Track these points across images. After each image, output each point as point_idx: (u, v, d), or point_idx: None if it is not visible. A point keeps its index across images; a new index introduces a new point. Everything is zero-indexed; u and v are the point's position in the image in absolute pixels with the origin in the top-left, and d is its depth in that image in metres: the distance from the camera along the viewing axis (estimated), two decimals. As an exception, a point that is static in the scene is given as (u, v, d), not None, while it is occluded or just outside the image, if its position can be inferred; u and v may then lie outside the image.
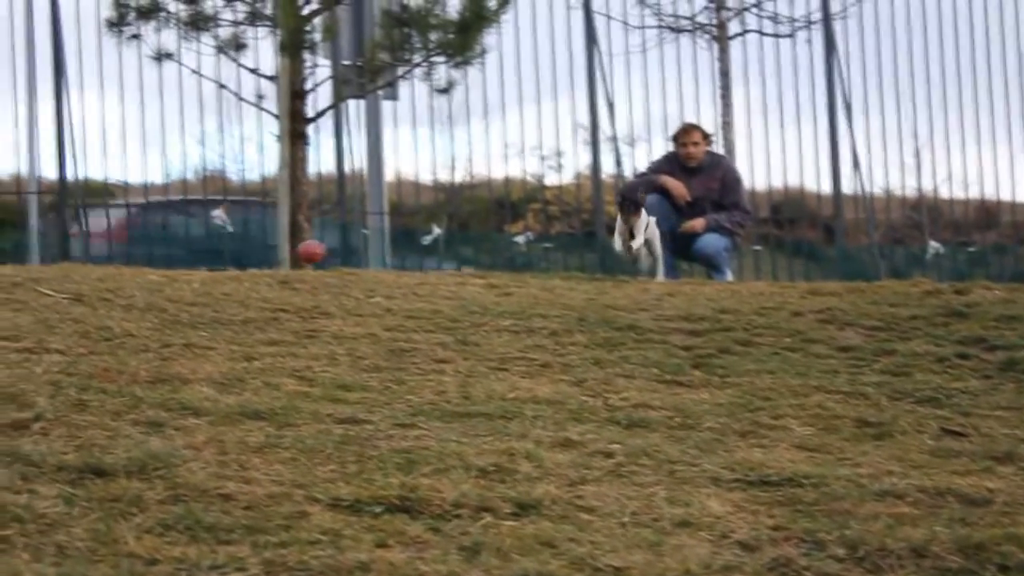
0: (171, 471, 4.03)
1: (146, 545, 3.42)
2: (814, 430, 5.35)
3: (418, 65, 14.31)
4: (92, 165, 20.02)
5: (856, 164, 19.56)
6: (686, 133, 13.09)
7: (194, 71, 15.17)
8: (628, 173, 18.96)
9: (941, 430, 5.47)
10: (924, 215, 22.74)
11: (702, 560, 3.55)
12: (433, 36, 13.88)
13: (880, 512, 4.09)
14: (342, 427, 4.79)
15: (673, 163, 13.00)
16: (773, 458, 4.72)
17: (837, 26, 19.68)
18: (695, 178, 12.80)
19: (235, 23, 14.74)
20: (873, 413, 5.70)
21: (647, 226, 11.13)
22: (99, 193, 19.74)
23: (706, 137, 13.20)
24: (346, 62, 15.63)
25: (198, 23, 14.52)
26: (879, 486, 4.41)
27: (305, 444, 4.47)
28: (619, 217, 11.07)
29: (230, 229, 18.45)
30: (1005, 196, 23.74)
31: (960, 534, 3.88)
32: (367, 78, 14.85)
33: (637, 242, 11.01)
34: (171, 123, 20.16)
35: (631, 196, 11.54)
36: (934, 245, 20.94)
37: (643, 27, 20.43)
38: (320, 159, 18.70)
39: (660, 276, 10.70)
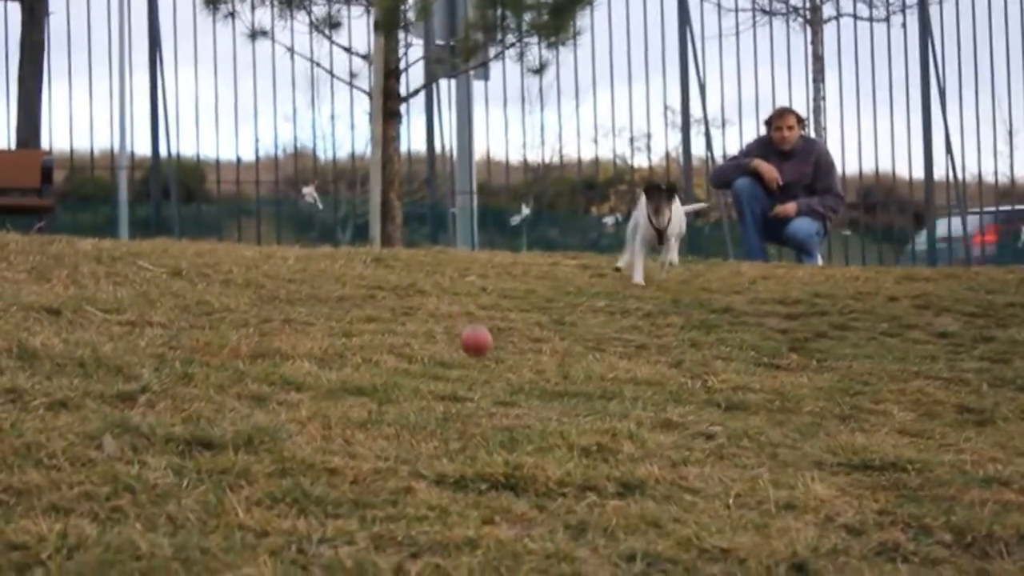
0: (277, 445, 4.06)
1: (256, 517, 3.45)
2: (915, 415, 5.33)
3: (511, 46, 14.31)
4: (185, 142, 20.21)
5: (948, 150, 19.36)
6: (780, 117, 13.00)
7: (288, 49, 15.26)
8: (718, 155, 18.89)
9: (1043, 418, 5.43)
10: (1015, 202, 22.50)
11: (809, 543, 3.54)
12: (527, 17, 13.87)
13: (986, 499, 4.06)
14: (443, 404, 4.81)
15: (766, 147, 12.93)
16: (875, 443, 4.70)
17: (933, 10, 19.47)
18: (788, 162, 12.73)
19: (329, 2, 14.80)
20: (974, 399, 5.67)
21: (670, 218, 8.84)
22: (191, 171, 19.86)
23: (800, 121, 13.10)
24: (440, 42, 15.66)
25: (293, 2, 14.59)
26: (983, 473, 4.38)
27: (408, 420, 4.49)
28: (647, 204, 8.80)
29: (320, 207, 18.55)
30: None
31: (1068, 523, 3.84)
32: (460, 58, 14.87)
33: (672, 229, 8.83)
34: (264, 101, 20.27)
35: (662, 184, 9.51)
36: (1027, 232, 20.73)
37: (736, 10, 20.39)
38: (410, 138, 18.75)
39: (667, 262, 8.89)
